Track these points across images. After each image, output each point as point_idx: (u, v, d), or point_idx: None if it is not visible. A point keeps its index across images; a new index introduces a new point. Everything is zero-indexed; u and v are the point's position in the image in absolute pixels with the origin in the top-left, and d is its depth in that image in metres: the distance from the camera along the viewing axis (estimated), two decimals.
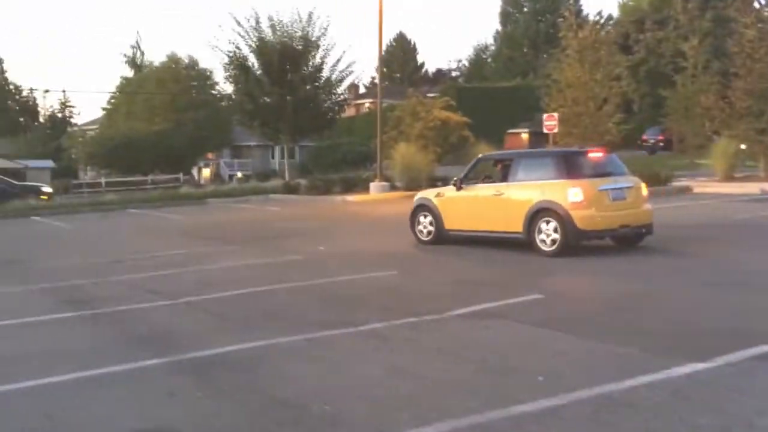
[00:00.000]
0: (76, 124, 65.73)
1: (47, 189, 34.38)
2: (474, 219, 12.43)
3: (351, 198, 25.53)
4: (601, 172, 11.59)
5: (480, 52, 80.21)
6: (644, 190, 11.95)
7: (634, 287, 8.86)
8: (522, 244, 11.53)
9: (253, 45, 33.92)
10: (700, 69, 35.81)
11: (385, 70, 66.67)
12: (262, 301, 8.88)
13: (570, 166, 11.50)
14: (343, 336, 6.91)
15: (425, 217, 13.19)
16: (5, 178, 33.75)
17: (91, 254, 14.64)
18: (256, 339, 6.83)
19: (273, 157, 57.83)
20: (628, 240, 11.71)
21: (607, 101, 25.20)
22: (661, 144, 44.00)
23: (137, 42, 66.73)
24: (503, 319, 7.34)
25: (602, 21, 55.44)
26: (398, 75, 79.90)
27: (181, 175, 45.60)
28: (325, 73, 34.88)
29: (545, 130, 24.28)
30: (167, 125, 46.07)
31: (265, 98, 33.93)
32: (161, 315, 8.41)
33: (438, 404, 4.99)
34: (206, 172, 56.03)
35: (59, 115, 69.37)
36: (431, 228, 13.05)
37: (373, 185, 26.31)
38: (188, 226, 20.08)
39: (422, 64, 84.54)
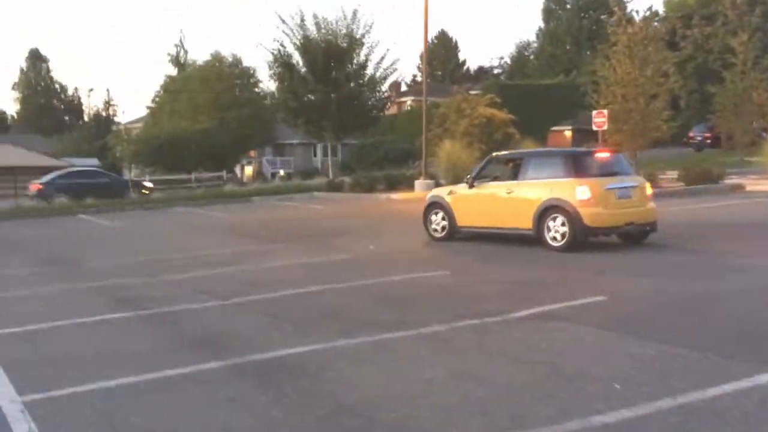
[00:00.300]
0: (119, 123, 66.73)
1: (148, 184, 36.72)
2: (485, 216, 12.86)
3: (395, 196, 25.32)
4: (607, 171, 11.99)
5: (522, 49, 79.40)
6: (649, 190, 12.32)
7: (698, 288, 8.50)
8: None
9: (298, 43, 33.98)
10: (750, 65, 34.87)
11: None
12: (315, 302, 8.70)
13: (578, 166, 11.95)
14: (403, 339, 6.69)
15: (437, 214, 13.63)
16: (113, 174, 37.01)
17: (138, 253, 14.67)
18: (314, 342, 6.65)
19: (315, 155, 57.97)
20: (633, 237, 12.10)
21: (656, 98, 24.58)
22: (708, 141, 43.01)
23: (181, 41, 67.52)
24: (567, 321, 7.06)
25: (648, 17, 54.38)
26: (439, 73, 79.47)
27: (224, 173, 45.90)
28: (369, 71, 34.79)
29: (594, 127, 23.70)
30: (211, 123, 46.44)
31: (309, 96, 33.96)
32: (214, 316, 8.29)
33: (511, 412, 4.76)
34: (248, 170, 56.32)
35: (103, 114, 70.51)
36: (444, 223, 13.48)
37: (417, 183, 26.06)
38: (234, 225, 20.10)
39: (464, 62, 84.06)
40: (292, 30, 34.12)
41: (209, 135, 46.19)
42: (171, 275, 11.20)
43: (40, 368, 6.34)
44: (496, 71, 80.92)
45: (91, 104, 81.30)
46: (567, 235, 11.46)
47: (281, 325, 7.57)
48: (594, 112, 23.78)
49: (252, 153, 55.59)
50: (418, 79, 71.81)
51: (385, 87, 36.56)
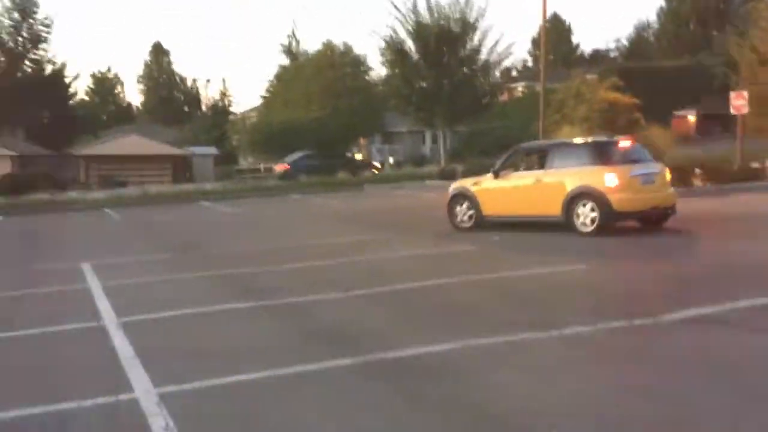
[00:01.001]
0: (234, 113, 68.58)
1: (377, 164, 39.86)
2: (513, 204, 13.49)
3: None
4: (630, 159, 12.74)
5: (641, 30, 75.78)
6: (668, 175, 13.10)
7: None
8: None
9: (410, 29, 33.62)
10: None
11: (538, 52, 64.54)
12: (442, 296, 8.31)
13: (604, 154, 12.72)
14: (545, 340, 6.19)
15: (462, 204, 14.30)
16: (347, 155, 41.69)
17: (258, 241, 14.78)
18: (447, 340, 6.26)
19: (424, 143, 57.52)
20: (651, 221, 12.87)
21: None
22: None
23: (293, 31, 68.48)
24: (731, 327, 6.33)
25: None
26: (551, 57, 77.06)
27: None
28: (482, 56, 33.99)
29: (732, 111, 21.91)
30: (323, 112, 46.79)
31: (422, 82, 33.57)
32: (339, 308, 8.04)
33: None
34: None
35: (219, 104, 72.71)
36: (471, 212, 14.17)
37: None
38: (348, 213, 20.03)
39: (577, 46, 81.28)
40: (405, 16, 33.81)
41: (321, 123, 46.58)
42: (292, 264, 11.11)
43: (172, 358, 6.26)
44: (612, 54, 77.69)
45: (208, 95, 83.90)
46: (597, 220, 12.20)
47: (409, 321, 7.23)
48: (732, 94, 21.93)
49: (361, 141, 55.74)
50: (529, 64, 69.95)
51: (498, 72, 35.60)
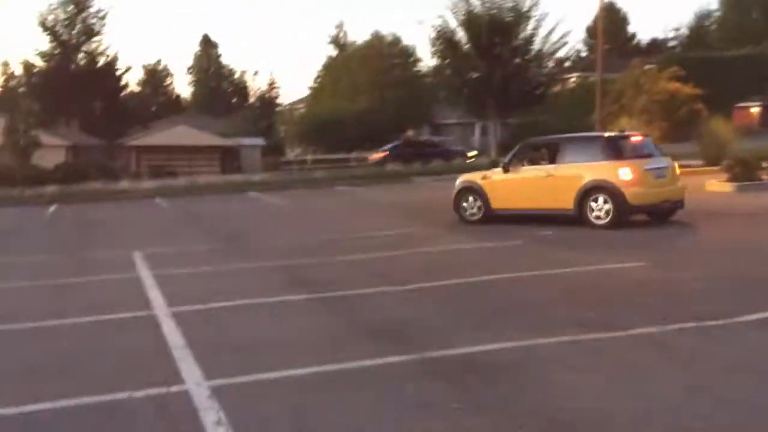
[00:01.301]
0: (280, 104, 68.86)
1: (471, 153, 39.69)
2: (524, 198, 13.55)
3: None
4: (642, 153, 12.89)
5: (701, 19, 73.52)
6: (677, 170, 13.24)
7: None
8: None
9: (462, 18, 33.12)
10: None
11: (592, 42, 63.25)
12: (497, 292, 8.02)
13: (617, 149, 12.80)
14: (611, 340, 5.87)
15: (470, 198, 14.34)
16: (440, 143, 41.73)
17: (307, 232, 14.65)
18: (506, 338, 5.98)
19: (473, 134, 56.93)
20: (661, 214, 13.02)
21: None
22: None
23: (341, 21, 68.45)
24: None
25: None
26: (607, 47, 75.37)
27: None
28: (535, 46, 33.32)
29: None
30: (371, 103, 46.66)
31: (473, 73, 33.08)
32: (391, 302, 7.82)
33: None
34: None
35: (267, 95, 73.08)
36: (479, 204, 14.19)
37: None
38: (397, 205, 19.79)
39: (633, 35, 79.32)
40: (455, 5, 33.34)
41: (369, 115, 46.44)
42: (342, 256, 10.93)
43: (223, 350, 6.12)
44: (670, 44, 75.55)
45: (256, 86, 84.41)
46: (611, 214, 12.31)
47: (464, 317, 6.96)
48: None
49: (409, 132, 55.50)
50: (582, 54, 68.56)
51: (552, 62, 34.83)
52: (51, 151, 37.35)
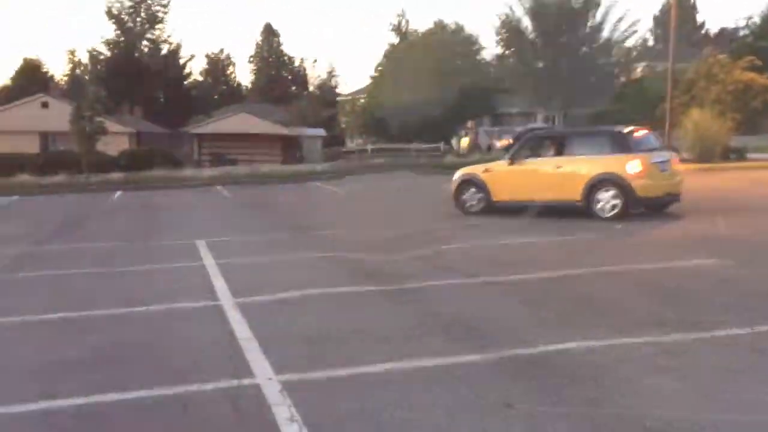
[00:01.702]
0: (340, 93, 68.88)
1: None
2: (529, 190, 13.66)
3: None
4: (647, 147, 13.18)
5: None
6: (678, 163, 13.88)
7: None
8: None
9: (528, 6, 32.48)
10: None
11: (659, 32, 61.44)
12: (573, 288, 7.71)
13: (625, 143, 13.02)
14: (695, 342, 5.54)
15: (470, 190, 14.56)
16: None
17: (372, 223, 14.56)
18: (586, 337, 5.71)
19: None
20: (657, 207, 13.27)
21: None
22: None
23: (403, 9, 68.03)
24: None
25: None
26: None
27: (441, 144, 45.54)
28: (604, 34, 32.41)
29: None
30: (432, 93, 46.20)
31: (539, 62, 32.43)
32: (461, 297, 7.59)
33: None
34: (464, 142, 55.61)
35: (326, 84, 73.22)
36: (480, 196, 14.40)
37: None
38: None
39: (702, 24, 76.84)
40: None
41: (430, 105, 46.04)
42: (407, 248, 10.70)
43: (291, 343, 6.00)
44: (741, 32, 72.80)
45: (315, 74, 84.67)
46: (619, 206, 12.64)
47: (540, 314, 6.69)
48: None
49: (470, 123, 54.87)
50: (650, 44, 66.67)
51: (620, 52, 33.83)
52: (115, 138, 38.23)
